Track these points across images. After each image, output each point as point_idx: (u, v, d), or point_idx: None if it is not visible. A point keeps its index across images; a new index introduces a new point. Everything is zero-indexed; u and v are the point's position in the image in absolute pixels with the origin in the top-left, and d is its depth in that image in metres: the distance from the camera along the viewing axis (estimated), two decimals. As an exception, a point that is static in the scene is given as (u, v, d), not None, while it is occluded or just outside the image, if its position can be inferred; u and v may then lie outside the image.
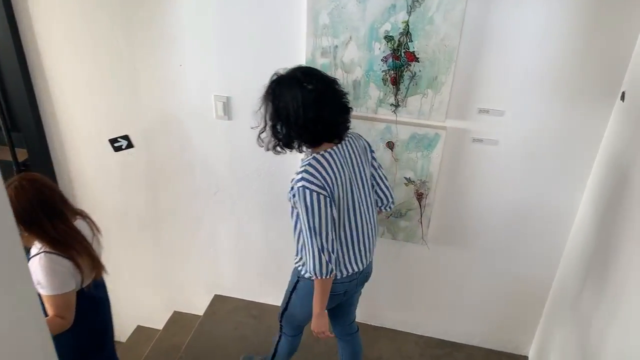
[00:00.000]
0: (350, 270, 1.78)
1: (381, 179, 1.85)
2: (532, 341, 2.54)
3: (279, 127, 1.65)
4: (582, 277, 2.01)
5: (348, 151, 1.72)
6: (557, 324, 2.23)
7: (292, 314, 1.99)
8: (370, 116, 2.14)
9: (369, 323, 2.75)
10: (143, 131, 2.45)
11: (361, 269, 1.82)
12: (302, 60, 2.08)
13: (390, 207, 1.90)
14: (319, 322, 1.77)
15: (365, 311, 2.70)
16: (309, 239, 1.61)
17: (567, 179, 2.08)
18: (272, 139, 1.68)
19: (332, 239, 1.62)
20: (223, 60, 2.19)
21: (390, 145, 2.16)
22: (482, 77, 1.96)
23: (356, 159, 1.74)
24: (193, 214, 2.64)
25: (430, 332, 2.68)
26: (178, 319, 3.02)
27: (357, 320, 2.62)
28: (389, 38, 1.94)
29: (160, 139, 2.45)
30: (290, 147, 1.67)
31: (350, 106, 1.68)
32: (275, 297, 2.61)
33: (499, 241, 2.30)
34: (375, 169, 1.85)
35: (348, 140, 1.73)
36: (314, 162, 1.63)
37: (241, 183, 2.49)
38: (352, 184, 1.71)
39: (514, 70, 1.92)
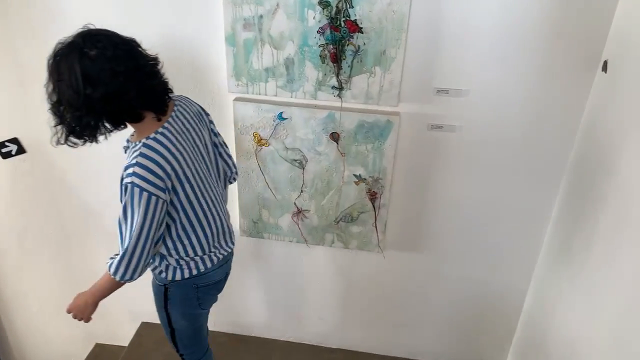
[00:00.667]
0: (225, 251, 1.61)
1: (222, 146, 1.63)
2: (506, 358, 2.23)
3: (63, 110, 1.27)
4: (561, 282, 1.70)
5: (182, 122, 1.45)
6: (534, 336, 1.93)
7: (181, 331, 1.67)
8: (308, 102, 1.76)
9: (323, 345, 2.38)
10: (37, 133, 1.99)
11: (232, 247, 1.66)
12: (220, 37, 1.69)
13: (235, 178, 1.71)
14: (88, 310, 1.51)
15: (317, 331, 2.33)
16: (122, 236, 1.36)
17: (543, 168, 1.78)
18: (62, 127, 1.29)
19: (149, 248, 1.36)
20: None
21: (334, 136, 1.80)
22: (440, 49, 1.62)
23: (194, 129, 1.48)
24: (106, 229, 2.19)
25: (394, 352, 2.33)
26: (100, 353, 2.56)
27: (306, 342, 2.25)
28: (324, 3, 1.57)
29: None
30: (93, 134, 1.31)
31: (157, 70, 1.37)
32: (210, 321, 2.21)
33: (466, 245, 1.98)
34: (216, 135, 1.61)
35: (179, 109, 1.46)
36: (147, 151, 1.32)
37: (161, 190, 2.07)
38: (196, 159, 1.46)
39: (477, 40, 1.59)
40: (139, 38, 1.72)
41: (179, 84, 1.80)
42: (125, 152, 1.41)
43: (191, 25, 1.70)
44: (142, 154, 1.31)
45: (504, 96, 1.67)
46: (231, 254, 1.68)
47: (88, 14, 1.72)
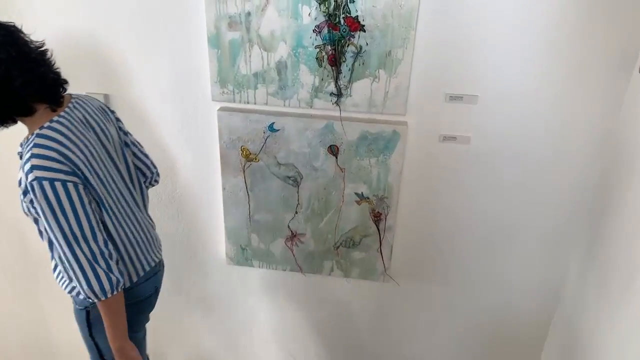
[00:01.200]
0: (152, 261, 1.42)
1: (135, 146, 1.44)
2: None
3: None
4: (592, 309, 1.48)
5: (82, 114, 1.26)
6: (563, 375, 1.69)
7: None
8: (303, 112, 1.56)
9: (321, 385, 2.12)
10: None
11: (160, 256, 1.49)
12: (202, 37, 1.49)
13: (157, 180, 1.52)
14: (125, 353, 1.27)
15: (315, 371, 2.08)
16: (70, 251, 1.14)
17: (570, 183, 1.57)
18: None
19: (104, 238, 1.18)
20: (95, 46, 1.55)
21: (333, 150, 1.59)
22: (453, 50, 1.42)
23: (97, 123, 1.29)
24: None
25: (400, 391, 2.08)
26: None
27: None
28: (321, -2, 1.37)
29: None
30: None
31: (46, 58, 1.19)
32: (192, 355, 1.96)
33: (483, 273, 1.75)
34: (126, 134, 1.42)
35: (77, 102, 1.28)
36: (41, 140, 1.13)
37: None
38: (102, 155, 1.27)
39: (495, 38, 1.40)
40: (111, 40, 1.51)
41: (155, 91, 1.60)
42: (21, 159, 1.19)
43: (169, 25, 1.49)
44: (36, 145, 1.12)
45: (525, 103, 1.47)
46: (160, 265, 1.50)
47: (49, 14, 1.53)
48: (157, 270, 1.46)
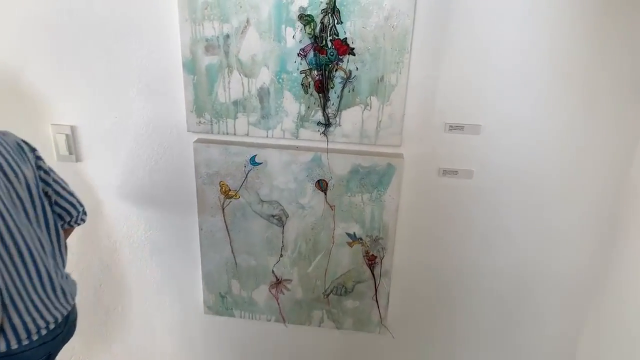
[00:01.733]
0: (51, 322, 1.16)
1: (58, 183, 1.25)
2: None
3: None
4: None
5: None
6: None
7: None
8: (288, 143, 1.41)
9: None
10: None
11: (65, 312, 1.20)
12: (177, 60, 1.36)
13: (83, 219, 1.31)
14: None
15: None
16: None
17: (583, 221, 1.41)
18: None
19: None
20: (62, 69, 1.42)
21: (321, 185, 1.43)
22: (452, 74, 1.29)
23: (7, 161, 1.10)
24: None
25: None
26: None
27: None
28: (306, 19, 1.25)
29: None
30: None
31: None
32: None
33: (491, 324, 1.56)
34: (47, 173, 1.22)
35: None
36: None
37: (105, 255, 1.66)
38: (5, 194, 1.08)
39: (500, 62, 1.27)
40: (77, 66, 1.38)
41: (127, 122, 1.45)
42: None
43: (141, 50, 1.37)
44: None
45: (533, 134, 1.33)
46: (63, 326, 1.21)
47: (19, 37, 1.40)
48: (56, 334, 1.19)
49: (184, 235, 1.59)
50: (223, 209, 1.49)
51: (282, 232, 1.50)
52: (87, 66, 1.41)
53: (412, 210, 1.46)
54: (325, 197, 1.44)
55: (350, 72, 1.29)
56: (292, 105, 1.35)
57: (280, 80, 1.32)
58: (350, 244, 1.49)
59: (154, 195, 1.55)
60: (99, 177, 1.54)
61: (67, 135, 1.49)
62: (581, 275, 1.47)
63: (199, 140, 1.43)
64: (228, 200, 1.48)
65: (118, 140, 1.49)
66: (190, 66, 1.34)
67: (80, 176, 1.54)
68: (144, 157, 1.50)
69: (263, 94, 1.35)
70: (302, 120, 1.36)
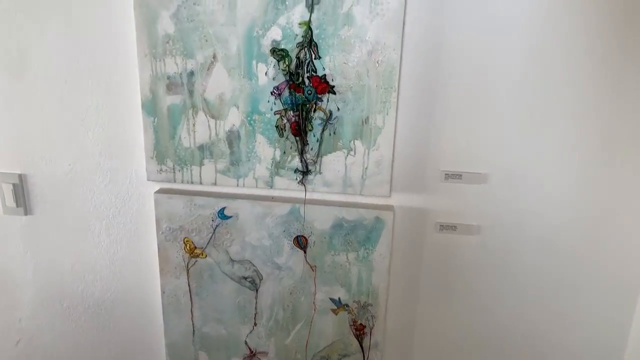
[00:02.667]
0: None
1: None
2: None
3: None
4: None
5: None
6: None
7: None
8: (262, 193, 1.23)
9: None
10: None
11: None
12: (135, 103, 1.20)
13: None
14: None
15: None
16: None
17: (608, 284, 1.20)
18: None
19: None
20: (10, 111, 1.27)
21: (300, 242, 1.24)
22: (447, 114, 1.13)
23: None
24: None
25: None
26: None
27: None
28: (280, 54, 1.11)
29: None
30: None
31: None
32: None
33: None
34: None
35: None
36: None
37: (58, 321, 1.45)
38: None
39: (502, 99, 1.11)
40: (30, 106, 1.23)
41: (80, 170, 1.29)
42: None
43: (97, 89, 1.22)
44: None
45: (545, 181, 1.15)
46: None
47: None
48: None
49: (144, 299, 1.38)
50: (188, 270, 1.30)
51: (256, 297, 1.30)
52: (37, 107, 1.25)
53: (405, 272, 1.26)
54: (305, 256, 1.24)
55: (330, 112, 1.13)
56: (265, 150, 1.18)
57: (252, 122, 1.16)
58: (334, 311, 1.28)
59: (111, 253, 1.36)
60: (50, 233, 1.36)
61: (14, 185, 1.32)
62: (600, 351, 1.24)
63: (160, 191, 1.26)
64: (194, 260, 1.29)
65: (72, 191, 1.31)
66: (150, 107, 1.18)
67: (29, 232, 1.36)
68: (100, 209, 1.32)
69: (232, 138, 1.18)
70: (277, 167, 1.19)
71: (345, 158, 1.16)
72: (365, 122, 1.13)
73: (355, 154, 1.15)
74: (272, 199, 1.23)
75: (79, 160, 1.28)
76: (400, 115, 1.14)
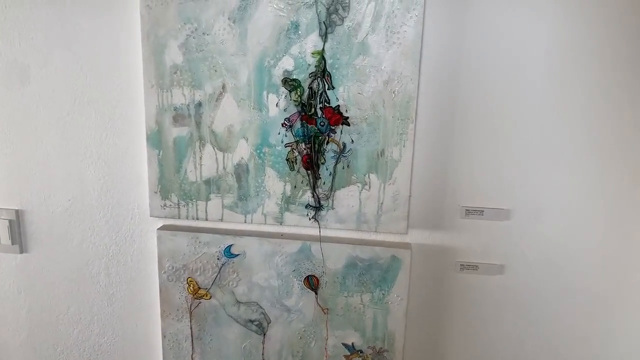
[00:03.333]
0: None
1: None
2: None
3: None
4: None
5: None
6: None
7: None
8: (270, 231, 1.17)
9: None
10: None
11: None
12: (140, 135, 1.16)
13: None
14: None
15: None
16: None
17: (646, 332, 1.11)
18: None
19: None
20: (7, 143, 1.23)
21: (311, 283, 1.16)
22: (466, 147, 1.07)
23: None
24: None
25: None
26: None
27: None
28: (291, 84, 1.06)
29: None
30: None
31: None
32: None
33: None
34: None
35: None
36: None
37: (49, 369, 1.35)
38: None
39: (525, 131, 1.05)
40: (28, 138, 1.19)
41: (80, 205, 1.23)
42: None
43: (100, 120, 1.17)
44: None
45: (572, 218, 1.08)
46: None
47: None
48: None
49: (144, 343, 1.29)
50: (191, 312, 1.21)
51: (263, 342, 1.21)
52: (37, 140, 1.21)
53: (424, 315, 1.17)
54: (317, 298, 1.16)
55: (344, 145, 1.08)
56: (275, 184, 1.12)
57: (262, 155, 1.11)
58: (347, 358, 1.18)
59: (110, 294, 1.28)
60: (47, 272, 1.29)
61: (10, 221, 1.25)
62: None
63: (163, 227, 1.19)
64: (197, 301, 1.21)
65: (71, 228, 1.25)
66: (155, 139, 1.13)
67: (25, 271, 1.29)
68: (100, 247, 1.25)
69: (241, 172, 1.13)
70: (287, 202, 1.12)
71: (360, 193, 1.10)
72: (381, 155, 1.07)
73: (370, 188, 1.09)
74: (282, 236, 1.16)
75: (79, 196, 1.22)
76: (418, 147, 1.08)
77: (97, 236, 1.24)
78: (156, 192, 1.16)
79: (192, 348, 1.22)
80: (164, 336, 1.24)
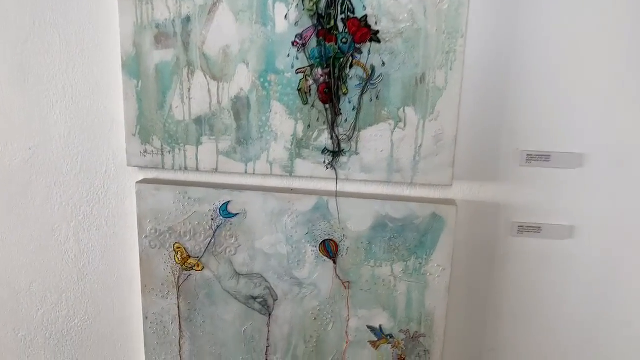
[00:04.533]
0: None
1: None
2: None
3: None
4: None
5: None
6: None
7: None
8: (277, 184, 0.93)
9: None
10: None
11: None
12: (114, 61, 0.92)
13: None
14: None
15: None
16: None
17: None
18: None
19: None
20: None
21: (329, 248, 0.92)
22: (531, 72, 0.83)
23: None
24: None
25: None
26: None
27: None
28: (305, -11, 0.83)
29: None
30: None
31: None
32: None
33: None
34: None
35: None
36: None
37: (12, 356, 1.12)
38: None
39: (605, 57, 0.81)
40: None
41: (41, 154, 0.99)
42: None
43: (66, 48, 0.94)
44: None
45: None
46: None
47: None
48: None
49: (121, 327, 1.06)
50: (178, 287, 0.98)
51: (268, 324, 0.97)
52: (-11, 73, 0.98)
53: (471, 290, 0.93)
54: (335, 269, 0.92)
55: (373, 69, 0.84)
56: (284, 123, 0.88)
57: (266, 84, 0.87)
58: (374, 344, 0.95)
59: (81, 265, 1.05)
60: (3, 240, 1.05)
61: (-42, 175, 1.02)
62: None
63: (144, 181, 0.96)
64: (186, 273, 0.97)
65: (32, 184, 1.02)
66: (132, 67, 0.90)
67: None
68: (68, 207, 1.02)
69: (240, 107, 0.89)
70: (299, 146, 0.89)
71: (392, 132, 0.86)
72: (421, 82, 0.83)
73: (405, 126, 0.85)
74: (291, 190, 0.92)
75: (42, 143, 0.99)
76: (468, 72, 0.84)
77: (64, 194, 1.01)
78: (134, 135, 0.93)
79: (180, 332, 0.99)
80: (145, 317, 1.00)
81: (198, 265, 0.96)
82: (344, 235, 0.91)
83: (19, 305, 1.09)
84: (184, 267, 0.96)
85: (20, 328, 1.10)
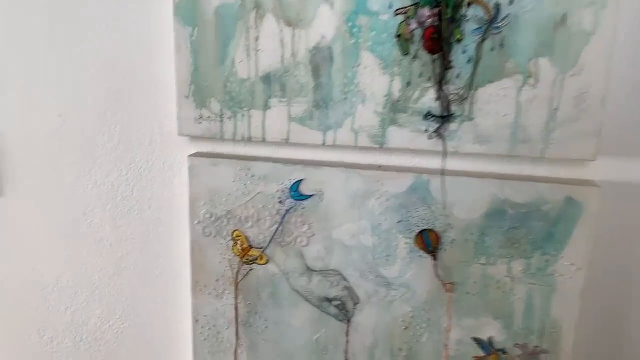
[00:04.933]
0: None
1: None
2: None
3: None
4: None
5: None
6: None
7: None
8: (362, 159, 0.75)
9: None
10: None
11: None
12: (164, 2, 0.75)
13: None
14: None
15: None
16: None
17: None
18: None
19: None
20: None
21: (427, 241, 0.73)
22: None
23: None
24: None
25: None
26: None
27: None
28: None
29: None
30: None
31: None
32: None
33: None
34: None
35: None
36: None
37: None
38: None
39: None
40: (6, 33, 0.77)
41: (76, 124, 0.83)
42: None
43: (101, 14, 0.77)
44: None
45: None
46: None
47: None
48: None
49: (166, 331, 0.89)
50: (237, 285, 0.80)
51: (347, 333, 0.79)
52: (8, 25, 0.81)
53: (610, 296, 0.73)
54: (435, 266, 0.74)
55: (497, 7, 0.65)
56: (375, 79, 0.69)
57: (356, 30, 0.68)
58: (480, 361, 0.76)
59: (118, 257, 0.88)
60: (27, 227, 0.89)
61: (-24, 148, 0.86)
62: None
63: (198, 154, 0.78)
64: (247, 268, 0.79)
65: (61, 158, 0.85)
66: (186, 11, 0.72)
67: (3, 214, 0.90)
68: (103, 187, 0.85)
69: (320, 60, 0.70)
70: (394, 110, 0.70)
71: (519, 91, 0.66)
72: (561, 24, 0.64)
73: (537, 82, 0.66)
74: (379, 167, 0.74)
75: (74, 109, 0.83)
76: (626, 11, 0.64)
77: (99, 170, 0.84)
78: (187, 97, 0.75)
79: (237, 339, 0.81)
80: (195, 320, 0.83)
81: (261, 258, 0.78)
82: (448, 224, 0.72)
83: (44, 303, 0.93)
84: (244, 260, 0.79)
85: (45, 329, 0.94)
